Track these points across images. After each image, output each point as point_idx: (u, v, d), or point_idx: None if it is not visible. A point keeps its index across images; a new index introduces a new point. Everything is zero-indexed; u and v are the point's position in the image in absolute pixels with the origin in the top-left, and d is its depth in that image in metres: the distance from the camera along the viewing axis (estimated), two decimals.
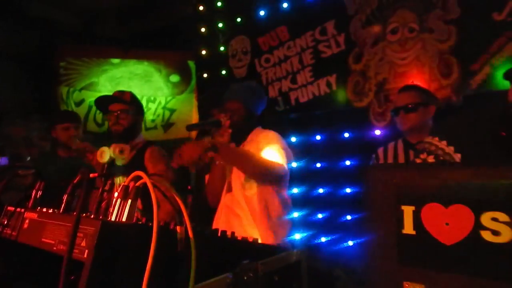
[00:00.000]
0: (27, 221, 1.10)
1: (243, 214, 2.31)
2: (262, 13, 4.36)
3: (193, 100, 5.31)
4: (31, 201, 1.28)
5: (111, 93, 2.94)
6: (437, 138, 1.84)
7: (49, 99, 5.17)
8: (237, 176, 2.38)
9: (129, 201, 0.88)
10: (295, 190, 3.29)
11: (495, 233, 0.74)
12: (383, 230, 0.87)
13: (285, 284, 1.05)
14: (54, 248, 0.92)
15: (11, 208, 1.21)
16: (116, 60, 5.41)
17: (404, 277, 0.82)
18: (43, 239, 0.97)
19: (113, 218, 0.87)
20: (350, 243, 3.20)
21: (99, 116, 5.17)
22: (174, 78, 5.42)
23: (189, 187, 3.99)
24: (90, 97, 5.08)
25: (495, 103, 2.29)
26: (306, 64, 3.95)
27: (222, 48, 4.79)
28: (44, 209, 1.12)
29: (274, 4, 4.22)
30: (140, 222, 1.12)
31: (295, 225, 2.51)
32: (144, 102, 5.30)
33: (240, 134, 2.45)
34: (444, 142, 1.82)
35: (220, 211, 2.45)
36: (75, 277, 0.78)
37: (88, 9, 5.64)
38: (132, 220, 0.88)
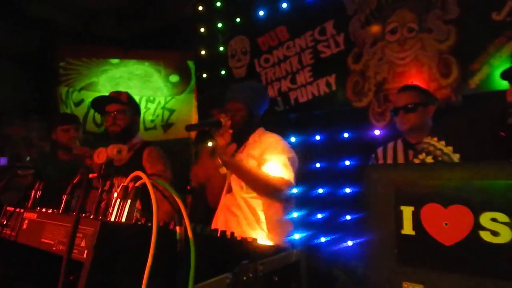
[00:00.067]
0: (26, 221, 1.10)
1: (241, 215, 2.31)
2: (261, 13, 4.36)
3: (193, 100, 5.30)
4: (31, 201, 1.28)
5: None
6: (436, 138, 1.84)
7: (49, 99, 5.16)
8: (236, 178, 2.36)
9: (129, 201, 0.88)
10: (294, 190, 3.29)
11: (495, 233, 0.74)
12: (383, 230, 0.87)
13: (285, 284, 1.05)
14: (54, 248, 0.92)
15: (10, 208, 1.20)
16: (115, 60, 5.41)
17: (403, 277, 0.82)
18: (42, 239, 0.97)
19: (112, 219, 0.87)
20: (350, 243, 3.20)
21: (98, 116, 5.16)
22: (174, 78, 5.42)
23: (188, 187, 3.99)
24: (90, 97, 5.07)
25: (494, 103, 2.29)
26: (305, 64, 3.95)
27: (221, 48, 4.79)
28: (44, 209, 1.12)
29: (273, 4, 4.22)
30: (140, 222, 1.12)
31: (295, 225, 2.50)
32: (143, 102, 5.30)
33: (242, 135, 2.42)
34: (443, 142, 1.82)
35: (219, 211, 2.44)
36: (74, 277, 0.78)
37: (88, 9, 5.64)
38: (131, 220, 0.88)
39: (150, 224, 0.79)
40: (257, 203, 2.30)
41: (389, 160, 2.60)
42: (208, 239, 1.07)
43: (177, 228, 0.87)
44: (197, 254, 0.82)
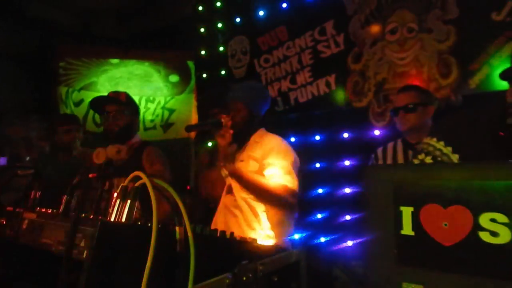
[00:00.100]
0: (26, 221, 1.10)
1: (241, 216, 2.30)
2: (261, 13, 4.36)
3: (193, 100, 5.30)
4: (30, 201, 1.28)
5: None
6: (435, 139, 1.84)
7: (49, 99, 5.16)
8: None
9: (128, 201, 0.88)
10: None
11: (494, 234, 0.74)
12: (382, 230, 0.87)
13: (284, 284, 1.05)
14: (53, 248, 0.92)
15: (10, 208, 1.21)
16: (115, 60, 5.41)
17: (403, 278, 0.82)
18: (42, 240, 0.97)
19: (112, 219, 0.87)
20: (350, 243, 3.20)
21: (98, 116, 5.16)
22: (174, 78, 5.42)
23: (188, 187, 3.99)
24: (89, 97, 5.05)
25: (494, 103, 2.29)
26: (305, 64, 3.95)
27: (221, 48, 4.79)
28: (43, 210, 1.12)
29: (273, 4, 4.22)
30: (139, 223, 1.12)
31: (295, 225, 2.50)
32: (143, 102, 5.30)
33: (242, 135, 2.41)
34: (442, 143, 1.81)
35: (219, 211, 2.44)
36: (74, 277, 0.78)
37: (88, 9, 5.64)
38: (131, 220, 0.88)
39: (149, 224, 0.79)
40: (258, 204, 2.29)
41: (389, 160, 2.60)
42: (208, 239, 1.07)
43: (177, 228, 0.87)
44: (196, 254, 0.82)
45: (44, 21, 5.35)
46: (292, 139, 3.62)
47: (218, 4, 4.82)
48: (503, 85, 1.99)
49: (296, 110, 4.00)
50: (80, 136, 3.26)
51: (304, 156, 2.42)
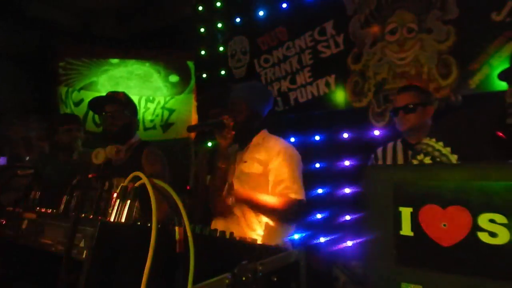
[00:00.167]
0: (26, 221, 1.10)
1: (242, 216, 2.28)
2: (261, 13, 4.36)
3: (192, 101, 5.30)
4: (30, 201, 1.29)
5: None
6: (434, 139, 1.84)
7: (49, 99, 5.17)
8: (239, 178, 2.33)
9: (128, 201, 0.88)
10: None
11: (493, 234, 0.75)
12: (381, 231, 0.87)
13: (284, 284, 1.05)
14: (53, 248, 0.92)
15: (10, 208, 1.21)
16: (115, 60, 5.41)
17: (402, 278, 0.82)
18: (42, 240, 0.97)
19: (112, 219, 0.87)
20: (349, 243, 3.20)
21: (98, 116, 5.16)
22: (173, 78, 5.42)
23: (187, 188, 3.99)
24: (89, 97, 5.04)
25: (494, 104, 2.30)
26: (305, 64, 3.95)
27: (221, 48, 4.80)
28: (43, 210, 1.12)
29: (273, 5, 4.22)
30: (139, 223, 1.12)
31: (296, 226, 2.49)
32: (143, 102, 5.30)
33: (244, 136, 2.39)
34: (441, 143, 1.81)
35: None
36: (74, 277, 0.78)
37: (88, 9, 5.64)
38: (130, 220, 0.88)
39: (149, 224, 0.80)
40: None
41: (389, 161, 2.60)
42: (207, 239, 1.07)
43: (176, 228, 0.87)
44: (196, 254, 0.82)
45: (44, 21, 5.35)
46: (292, 139, 3.62)
47: (218, 4, 4.82)
48: (503, 85, 1.99)
49: (296, 110, 4.00)
50: (81, 136, 3.25)
51: (304, 156, 2.42)
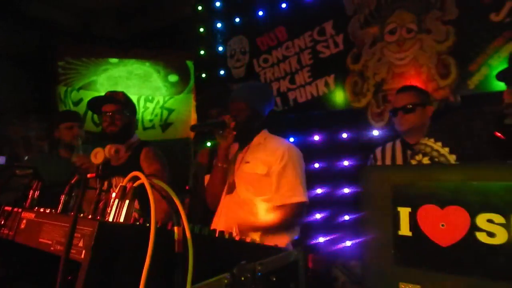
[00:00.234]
0: (24, 221, 1.10)
1: (245, 217, 2.26)
2: (260, 13, 4.36)
3: (192, 100, 5.30)
4: (29, 201, 1.28)
5: None
6: (433, 140, 1.85)
7: (48, 99, 5.16)
8: (241, 178, 2.33)
9: (127, 201, 0.88)
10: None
11: (491, 234, 0.75)
12: (380, 231, 0.87)
13: (283, 284, 1.05)
14: (52, 248, 0.92)
15: (8, 208, 1.20)
16: (114, 60, 5.40)
17: (400, 278, 0.83)
18: (40, 239, 0.97)
19: (110, 219, 0.87)
20: (348, 243, 3.21)
21: (97, 116, 5.16)
22: (173, 78, 5.42)
23: (187, 187, 3.99)
24: (88, 97, 5.05)
25: (493, 104, 2.30)
26: (304, 64, 3.96)
27: (220, 48, 4.80)
28: (42, 209, 1.12)
29: (272, 5, 4.23)
30: (138, 223, 1.12)
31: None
32: (142, 102, 5.30)
33: (245, 136, 2.38)
34: (440, 143, 1.82)
35: (219, 213, 2.38)
36: (72, 278, 0.78)
37: (88, 9, 5.63)
38: (129, 220, 0.88)
39: (148, 224, 0.80)
40: (263, 206, 2.28)
41: (388, 161, 2.60)
42: (206, 239, 1.07)
43: (175, 228, 0.87)
44: (195, 254, 0.82)
45: (44, 21, 5.35)
46: (291, 139, 3.62)
47: (218, 4, 4.82)
48: (502, 86, 2.00)
49: (295, 110, 4.00)
50: (83, 133, 3.24)
51: (303, 157, 2.42)
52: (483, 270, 0.75)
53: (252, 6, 4.41)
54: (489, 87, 2.75)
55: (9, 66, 5.02)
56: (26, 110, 4.83)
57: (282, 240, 2.23)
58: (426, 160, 1.81)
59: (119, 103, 2.74)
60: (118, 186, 0.90)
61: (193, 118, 5.21)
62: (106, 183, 1.08)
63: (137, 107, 3.05)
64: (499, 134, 1.81)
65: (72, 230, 0.80)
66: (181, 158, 4.88)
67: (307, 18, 3.94)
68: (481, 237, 0.76)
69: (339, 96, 3.67)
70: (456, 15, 2.94)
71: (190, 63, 5.33)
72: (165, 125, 5.33)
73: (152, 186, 0.85)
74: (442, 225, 0.80)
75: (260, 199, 2.27)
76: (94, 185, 1.05)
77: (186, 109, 5.31)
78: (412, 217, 0.83)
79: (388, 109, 3.09)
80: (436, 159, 1.76)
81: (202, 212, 3.06)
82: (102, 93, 3.02)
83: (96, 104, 2.81)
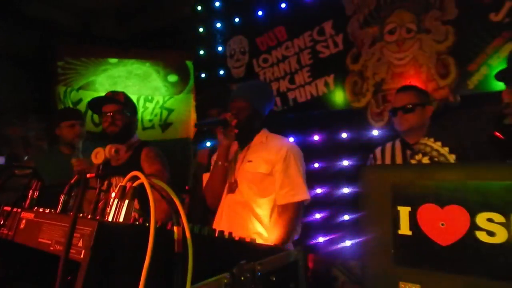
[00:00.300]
0: (23, 221, 1.09)
1: (247, 216, 2.26)
2: (260, 13, 4.36)
3: (191, 100, 5.30)
4: (28, 201, 1.28)
5: None
6: (432, 139, 1.85)
7: (48, 99, 5.16)
8: (243, 177, 2.32)
9: (126, 201, 0.88)
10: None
11: (491, 233, 0.75)
12: (379, 230, 0.87)
13: (283, 284, 1.05)
14: (51, 248, 0.92)
15: (7, 208, 1.20)
16: (114, 60, 5.40)
17: (400, 278, 0.83)
18: (39, 239, 0.97)
19: (110, 219, 0.87)
20: (348, 243, 3.21)
21: (97, 115, 5.16)
22: (172, 78, 5.41)
23: (186, 187, 3.99)
24: (88, 97, 5.06)
25: (492, 104, 2.30)
26: (304, 64, 3.95)
27: (220, 48, 4.79)
28: (41, 209, 1.12)
29: (272, 4, 4.23)
30: (137, 223, 1.12)
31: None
32: (141, 102, 5.29)
33: (246, 134, 2.39)
34: (439, 143, 1.82)
35: (221, 212, 2.38)
36: (72, 278, 0.78)
37: (87, 9, 5.63)
38: (129, 220, 0.88)
39: (147, 224, 0.80)
40: (266, 206, 2.28)
41: (387, 161, 2.60)
42: (206, 239, 1.07)
43: (175, 228, 0.87)
44: (195, 254, 0.82)
45: (44, 21, 5.35)
46: (291, 139, 3.62)
47: (217, 4, 4.82)
48: (502, 85, 2.00)
49: (294, 110, 4.00)
50: (84, 133, 3.23)
51: (303, 156, 2.42)
52: (483, 269, 0.75)
53: (252, 6, 4.40)
54: (489, 87, 2.75)
55: (9, 66, 5.02)
56: (26, 110, 4.83)
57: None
58: (425, 160, 1.81)
59: (120, 103, 2.74)
60: (118, 186, 0.90)
61: (192, 118, 5.21)
62: (106, 183, 1.08)
63: (137, 107, 3.05)
64: (498, 134, 1.82)
65: (71, 230, 0.80)
66: (181, 158, 4.87)
67: (307, 18, 3.93)
68: (481, 236, 0.76)
69: (339, 96, 3.67)
70: (455, 15, 2.94)
71: (189, 63, 5.33)
72: (165, 125, 5.32)
73: (152, 186, 0.85)
74: (442, 224, 0.80)
75: (263, 199, 2.27)
76: (94, 185, 1.05)
77: (185, 109, 5.31)
78: (412, 216, 0.83)
79: (388, 109, 3.09)
80: (436, 159, 1.76)
81: (202, 212, 3.06)
82: (102, 93, 3.02)
83: (96, 104, 2.81)
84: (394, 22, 3.28)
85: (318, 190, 3.44)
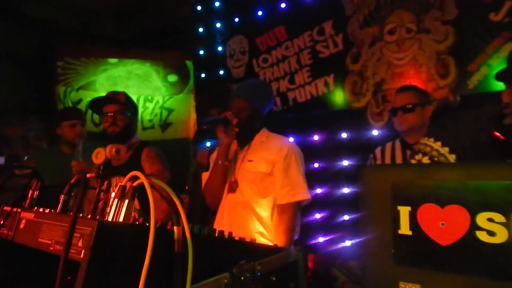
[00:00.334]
0: (23, 221, 1.09)
1: (248, 216, 2.26)
2: (260, 13, 4.36)
3: (191, 100, 5.30)
4: (28, 201, 1.28)
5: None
6: (432, 139, 1.85)
7: (48, 99, 5.16)
8: (244, 177, 2.32)
9: (126, 201, 0.88)
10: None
11: (491, 233, 0.75)
12: (379, 230, 0.87)
13: (282, 284, 1.05)
14: (51, 248, 0.92)
15: (7, 208, 1.20)
16: (113, 60, 5.40)
17: (400, 277, 0.83)
18: (39, 239, 0.97)
19: (110, 218, 0.87)
20: (348, 243, 3.21)
21: (97, 115, 5.15)
22: (172, 78, 5.42)
23: (186, 187, 3.98)
24: (88, 97, 5.07)
25: (492, 104, 2.30)
26: (304, 64, 3.95)
27: (220, 48, 4.79)
28: (41, 209, 1.12)
29: (272, 4, 4.22)
30: (137, 223, 1.12)
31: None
32: (141, 102, 5.30)
33: (246, 134, 2.39)
34: (439, 143, 1.82)
35: (222, 212, 2.38)
36: (71, 278, 0.78)
37: (87, 9, 5.63)
38: (129, 220, 0.88)
39: (147, 224, 0.79)
40: (266, 207, 2.28)
41: (387, 161, 2.60)
42: (206, 239, 1.07)
43: (175, 228, 0.87)
44: (194, 254, 0.82)
45: (44, 21, 5.34)
46: (291, 139, 3.62)
47: (217, 4, 4.82)
48: (501, 85, 2.00)
49: (294, 110, 4.00)
50: (85, 132, 3.23)
51: (303, 156, 2.42)
52: (483, 269, 0.75)
53: (252, 6, 4.40)
54: (488, 87, 2.75)
55: (9, 66, 5.02)
56: (26, 110, 4.83)
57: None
58: (425, 160, 1.81)
59: (121, 103, 2.74)
60: (118, 186, 0.90)
61: (192, 118, 5.21)
62: (106, 183, 1.08)
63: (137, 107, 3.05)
64: (498, 134, 1.82)
65: (71, 230, 0.80)
66: (181, 158, 4.87)
67: (307, 18, 3.93)
68: (481, 236, 0.76)
69: (339, 96, 3.67)
70: (455, 15, 2.94)
71: (189, 63, 5.33)
72: (165, 125, 5.32)
73: (152, 186, 0.85)
74: (442, 224, 0.80)
75: (264, 199, 2.27)
76: (94, 185, 1.05)
77: (185, 109, 5.31)
78: (412, 216, 0.83)
79: (388, 109, 3.09)
80: (436, 159, 1.77)
81: (202, 212, 3.05)
82: (102, 93, 3.02)
83: (97, 104, 2.81)
84: (394, 22, 3.28)
85: (318, 190, 3.44)
